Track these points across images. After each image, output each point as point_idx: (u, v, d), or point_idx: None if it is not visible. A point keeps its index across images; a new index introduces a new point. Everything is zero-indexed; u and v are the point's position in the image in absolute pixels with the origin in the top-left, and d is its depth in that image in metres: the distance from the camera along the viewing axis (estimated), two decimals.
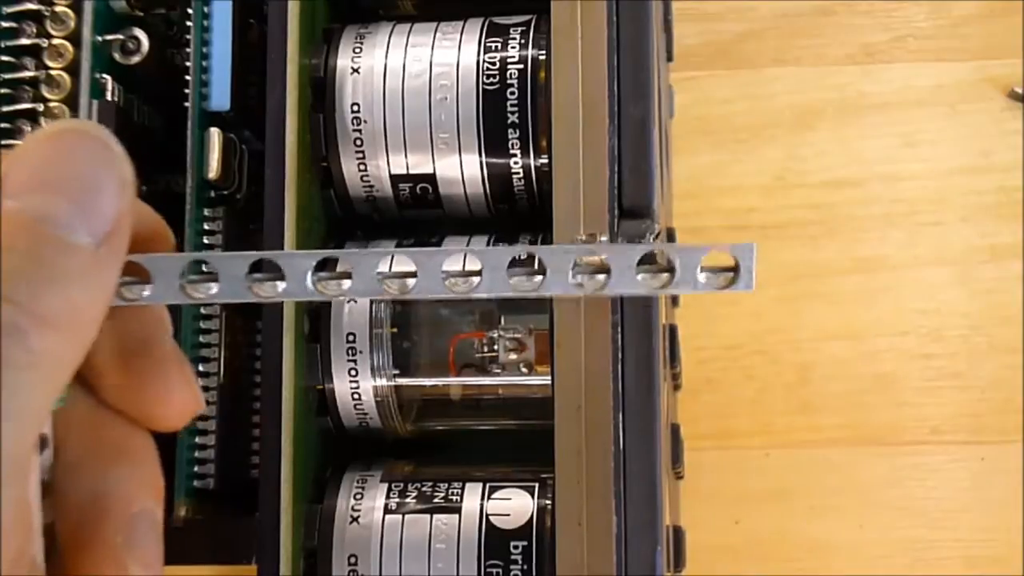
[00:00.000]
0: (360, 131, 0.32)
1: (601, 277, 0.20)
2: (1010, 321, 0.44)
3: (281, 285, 0.19)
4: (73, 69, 0.33)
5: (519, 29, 0.32)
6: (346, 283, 0.20)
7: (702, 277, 0.20)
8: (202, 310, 0.33)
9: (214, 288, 0.19)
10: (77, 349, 0.17)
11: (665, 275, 0.20)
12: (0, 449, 0.15)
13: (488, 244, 0.32)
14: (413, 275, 0.20)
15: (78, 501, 0.18)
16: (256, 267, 0.19)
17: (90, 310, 0.17)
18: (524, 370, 0.32)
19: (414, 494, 0.31)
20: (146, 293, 0.19)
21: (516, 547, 0.30)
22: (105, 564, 0.18)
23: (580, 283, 0.20)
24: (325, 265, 0.20)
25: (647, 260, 0.20)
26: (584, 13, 0.30)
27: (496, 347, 0.32)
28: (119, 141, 0.18)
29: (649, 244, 0.20)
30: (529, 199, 0.32)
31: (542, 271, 0.20)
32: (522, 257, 0.20)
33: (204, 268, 0.19)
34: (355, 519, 0.31)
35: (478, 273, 0.20)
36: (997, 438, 0.44)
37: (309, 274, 0.19)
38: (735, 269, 0.20)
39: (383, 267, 0.20)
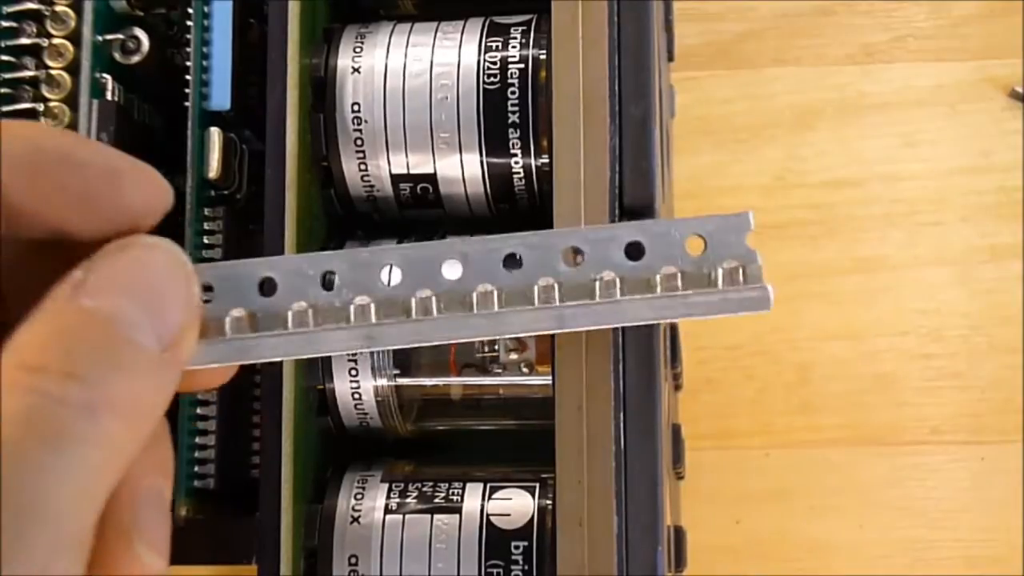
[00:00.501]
0: (360, 131, 0.32)
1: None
2: (1010, 321, 0.44)
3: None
4: (73, 69, 0.33)
5: (520, 29, 0.32)
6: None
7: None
8: None
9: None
10: (136, 439, 0.17)
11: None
12: (58, 513, 0.15)
13: None
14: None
15: None
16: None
17: (150, 406, 0.17)
18: (525, 370, 0.32)
19: (415, 494, 0.31)
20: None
21: (517, 547, 0.30)
22: (112, 542, 0.18)
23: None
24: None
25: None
26: (585, 13, 0.30)
27: (497, 347, 0.32)
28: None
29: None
30: (530, 199, 0.32)
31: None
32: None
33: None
34: (355, 519, 0.31)
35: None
36: (997, 438, 0.44)
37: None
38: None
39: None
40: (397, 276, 0.20)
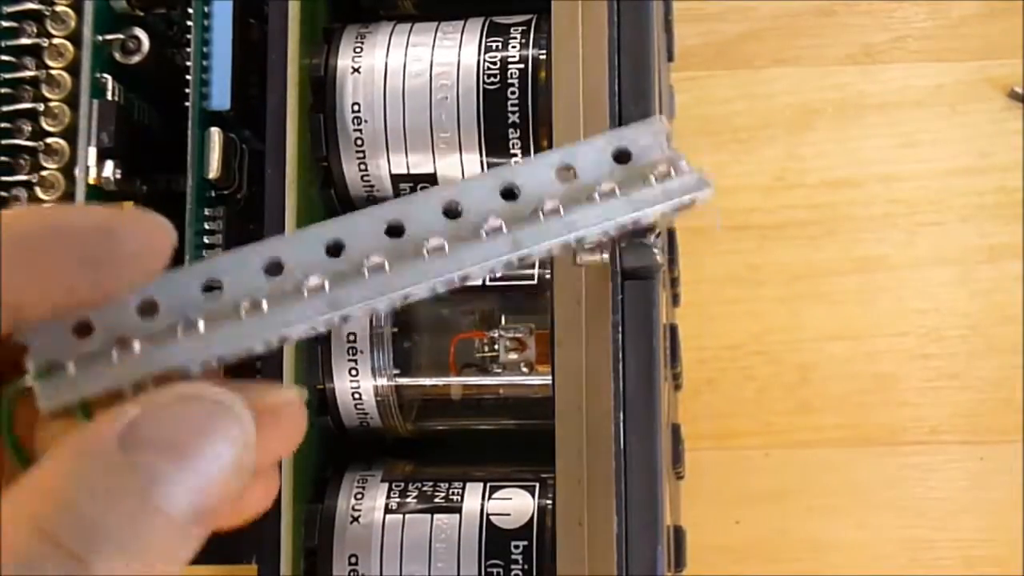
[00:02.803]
0: (361, 131, 0.32)
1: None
2: (1010, 321, 0.44)
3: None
4: (73, 69, 0.33)
5: (520, 29, 0.32)
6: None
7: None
8: None
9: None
10: None
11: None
12: None
13: None
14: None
15: None
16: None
17: None
18: (524, 370, 0.32)
19: (415, 494, 0.31)
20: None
21: (517, 547, 0.30)
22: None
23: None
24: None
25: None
26: (585, 13, 0.30)
27: (497, 347, 0.32)
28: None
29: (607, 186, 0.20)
30: None
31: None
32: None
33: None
34: (355, 519, 0.31)
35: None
36: (996, 438, 0.44)
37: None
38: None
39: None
40: (340, 248, 0.19)
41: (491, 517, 0.30)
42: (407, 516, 0.31)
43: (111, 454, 0.16)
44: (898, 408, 0.44)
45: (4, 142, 0.33)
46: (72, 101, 0.33)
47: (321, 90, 0.32)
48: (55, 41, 0.33)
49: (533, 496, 0.31)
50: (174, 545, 0.16)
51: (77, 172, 0.33)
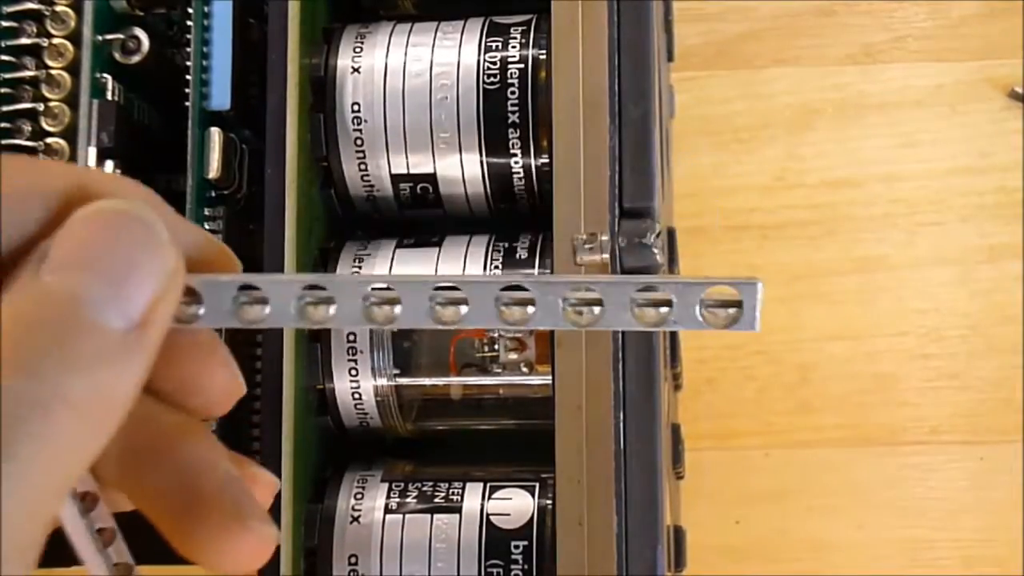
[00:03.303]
0: (360, 131, 0.32)
1: (596, 310, 0.19)
2: (1010, 321, 0.44)
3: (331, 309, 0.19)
4: (73, 69, 0.33)
5: (520, 29, 0.32)
6: (332, 309, 0.19)
7: (702, 314, 0.19)
8: None
9: (266, 310, 0.18)
10: (98, 435, 0.16)
11: (663, 310, 0.19)
12: (1, 525, 0.15)
13: (488, 244, 0.32)
14: (397, 302, 0.19)
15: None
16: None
17: (113, 397, 0.16)
18: (525, 370, 0.32)
19: (414, 494, 0.31)
20: (199, 312, 0.18)
21: (517, 547, 0.30)
22: (228, 527, 0.19)
23: (574, 318, 0.19)
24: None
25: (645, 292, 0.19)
26: (585, 13, 0.30)
27: (497, 346, 0.32)
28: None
29: (647, 278, 0.19)
30: (530, 199, 0.32)
31: (532, 303, 0.19)
32: (513, 288, 0.19)
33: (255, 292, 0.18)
34: (355, 519, 0.31)
35: (464, 302, 0.19)
36: (996, 438, 0.44)
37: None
38: (739, 306, 0.19)
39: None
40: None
41: (491, 517, 0.30)
42: (407, 516, 0.31)
43: (32, 286, 0.16)
44: (898, 408, 0.44)
45: (4, 142, 0.33)
46: (72, 101, 0.33)
47: (321, 90, 0.32)
48: (55, 41, 0.33)
49: (533, 496, 0.31)
50: (119, 356, 0.16)
51: None
